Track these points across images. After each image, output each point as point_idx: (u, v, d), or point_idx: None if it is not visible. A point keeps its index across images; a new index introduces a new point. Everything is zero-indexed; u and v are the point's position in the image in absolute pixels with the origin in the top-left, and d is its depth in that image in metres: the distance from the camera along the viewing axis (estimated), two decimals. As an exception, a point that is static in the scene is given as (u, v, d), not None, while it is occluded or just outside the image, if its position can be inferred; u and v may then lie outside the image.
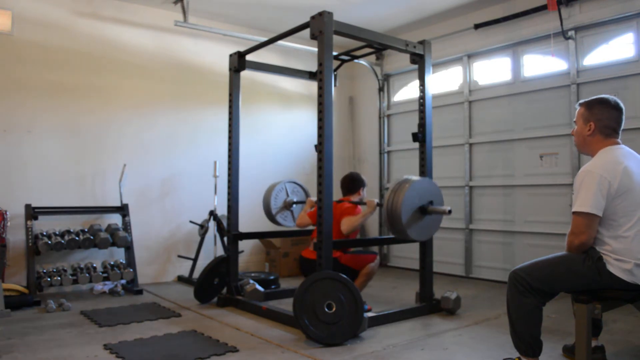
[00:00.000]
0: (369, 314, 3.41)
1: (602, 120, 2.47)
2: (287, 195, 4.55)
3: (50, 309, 3.85)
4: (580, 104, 2.58)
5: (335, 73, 4.79)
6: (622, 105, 2.51)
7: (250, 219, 5.51)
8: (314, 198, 4.20)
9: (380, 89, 6.64)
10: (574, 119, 2.61)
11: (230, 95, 4.25)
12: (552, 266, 2.40)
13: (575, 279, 2.35)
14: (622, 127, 2.51)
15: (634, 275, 2.27)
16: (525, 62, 5.15)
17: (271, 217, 4.57)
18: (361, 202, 3.94)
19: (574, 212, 2.35)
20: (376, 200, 3.78)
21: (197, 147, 5.57)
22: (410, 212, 3.33)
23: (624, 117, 2.51)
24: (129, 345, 2.98)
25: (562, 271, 2.37)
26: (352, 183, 4.09)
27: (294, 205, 4.64)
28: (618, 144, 2.48)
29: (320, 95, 3.28)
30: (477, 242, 5.48)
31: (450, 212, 3.36)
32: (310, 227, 4.25)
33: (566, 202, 4.66)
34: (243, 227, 4.36)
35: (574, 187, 2.41)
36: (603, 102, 2.50)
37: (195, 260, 5.25)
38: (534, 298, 2.38)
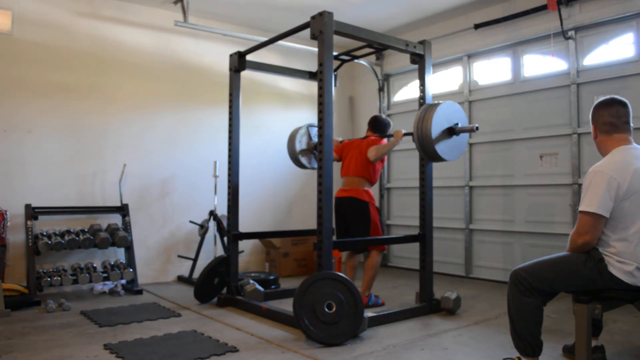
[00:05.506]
0: (369, 314, 3.40)
1: (598, 120, 2.52)
2: (310, 138, 4.60)
3: (50, 309, 3.85)
4: None
5: (335, 73, 4.79)
6: (619, 99, 2.47)
7: (251, 219, 5.52)
8: (337, 138, 4.41)
9: (380, 89, 6.64)
10: None
11: (230, 95, 4.25)
12: (553, 266, 2.40)
13: (576, 279, 2.35)
14: (632, 123, 2.47)
15: (635, 277, 2.27)
16: (525, 62, 5.15)
17: (296, 159, 4.62)
18: (386, 135, 4.17)
19: (580, 211, 2.34)
20: (403, 130, 3.93)
21: (197, 147, 5.57)
22: (439, 134, 3.47)
23: (626, 110, 2.46)
24: (129, 345, 2.98)
25: (563, 271, 2.37)
26: (378, 124, 4.31)
27: None
28: (629, 142, 2.44)
29: (320, 95, 3.28)
30: (477, 242, 5.48)
31: (477, 128, 3.50)
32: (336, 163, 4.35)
33: (566, 202, 4.67)
34: (243, 227, 4.36)
35: (582, 185, 2.41)
36: (597, 105, 2.55)
37: (195, 260, 5.24)
38: (534, 298, 2.38)
